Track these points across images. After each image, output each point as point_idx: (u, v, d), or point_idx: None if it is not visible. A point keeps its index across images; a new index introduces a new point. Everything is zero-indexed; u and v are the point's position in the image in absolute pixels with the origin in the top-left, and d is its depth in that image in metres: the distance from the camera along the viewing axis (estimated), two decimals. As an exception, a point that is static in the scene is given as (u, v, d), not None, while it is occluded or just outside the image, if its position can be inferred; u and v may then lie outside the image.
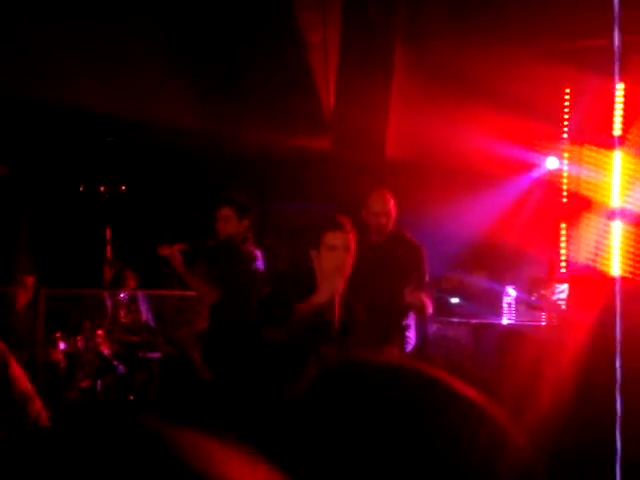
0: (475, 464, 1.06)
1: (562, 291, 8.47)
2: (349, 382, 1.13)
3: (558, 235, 9.69)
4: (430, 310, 7.05)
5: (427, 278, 7.07)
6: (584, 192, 9.74)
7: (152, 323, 9.84)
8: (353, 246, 5.09)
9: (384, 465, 1.04)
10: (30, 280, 9.88)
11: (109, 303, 9.86)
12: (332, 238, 5.02)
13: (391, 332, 6.86)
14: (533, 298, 9.02)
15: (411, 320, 7.10)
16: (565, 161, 9.66)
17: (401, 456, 1.04)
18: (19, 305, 9.84)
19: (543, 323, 8.72)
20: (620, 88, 8.16)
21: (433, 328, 8.66)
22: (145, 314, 9.84)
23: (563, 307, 8.30)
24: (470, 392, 1.14)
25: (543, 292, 8.89)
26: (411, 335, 7.08)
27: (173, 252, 6.76)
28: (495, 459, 1.07)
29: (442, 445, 1.06)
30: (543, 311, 8.85)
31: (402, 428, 1.06)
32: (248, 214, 6.89)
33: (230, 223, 6.80)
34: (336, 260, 4.99)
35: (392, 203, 7.00)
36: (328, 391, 1.12)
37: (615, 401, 5.20)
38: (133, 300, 9.91)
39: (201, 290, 7.05)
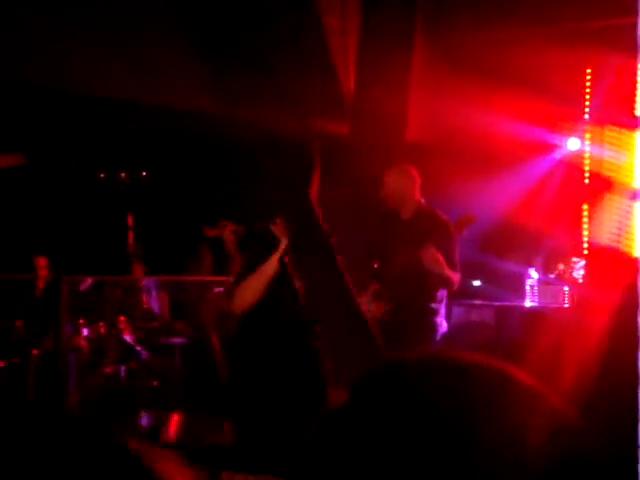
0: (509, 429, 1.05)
1: (582, 267, 8.45)
2: (394, 383, 1.11)
3: (580, 216, 9.66)
4: (455, 286, 7.03)
5: (456, 256, 7.04)
6: (606, 173, 9.69)
7: (157, 310, 9.88)
8: None
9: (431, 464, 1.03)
10: (42, 261, 9.94)
11: (131, 289, 9.91)
12: None
13: (419, 311, 6.84)
14: (552, 276, 8.99)
15: (441, 304, 7.07)
16: (587, 142, 9.60)
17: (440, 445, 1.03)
18: (39, 290, 9.92)
19: (565, 305, 8.69)
20: (642, 67, 8.10)
21: (456, 311, 8.65)
22: (152, 301, 9.89)
23: (580, 282, 8.29)
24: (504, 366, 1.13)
25: (562, 268, 8.86)
26: (439, 320, 7.04)
27: (226, 232, 6.52)
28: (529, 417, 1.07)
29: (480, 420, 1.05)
30: (563, 286, 8.82)
31: (443, 421, 1.05)
32: None
33: None
34: None
35: (416, 175, 7.03)
36: (374, 394, 1.10)
37: (637, 382, 5.18)
38: (155, 287, 9.96)
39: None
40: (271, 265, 4.90)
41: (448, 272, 6.85)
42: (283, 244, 4.86)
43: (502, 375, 1.13)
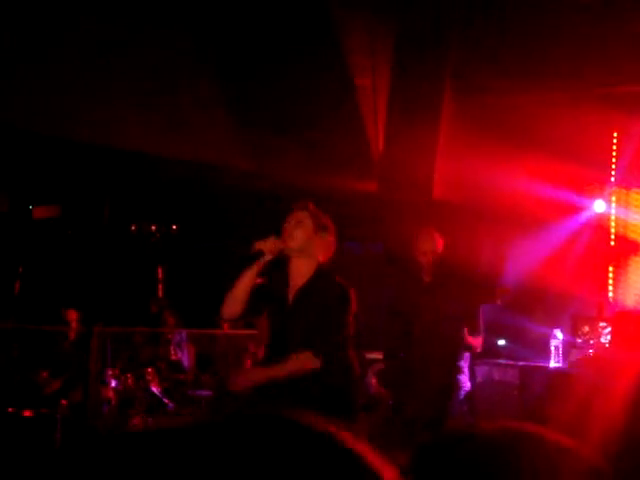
0: None
1: (608, 332, 8.46)
2: (448, 457, 1.18)
3: (606, 278, 9.69)
4: (478, 349, 7.15)
5: (479, 319, 7.14)
6: (632, 235, 9.76)
7: (185, 362, 9.96)
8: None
9: None
10: (73, 314, 10.06)
11: (159, 341, 10.00)
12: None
13: (447, 375, 6.92)
14: (579, 340, 8.98)
15: (465, 362, 7.16)
16: (613, 204, 9.69)
17: None
18: (68, 342, 10.03)
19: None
20: (668, 133, 8.20)
21: (481, 370, 8.68)
22: (180, 353, 9.98)
23: (607, 346, 8.30)
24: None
25: (587, 330, 8.87)
26: (463, 379, 7.13)
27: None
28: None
29: None
30: (589, 348, 8.82)
31: None
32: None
33: None
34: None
35: (440, 241, 7.10)
36: (427, 468, 1.17)
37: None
38: (184, 339, 10.07)
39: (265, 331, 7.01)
40: (247, 276, 5.15)
41: (476, 343, 7.03)
42: (266, 257, 5.11)
43: (552, 445, 1.19)
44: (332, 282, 5.16)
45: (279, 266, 5.27)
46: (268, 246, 5.10)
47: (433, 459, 1.21)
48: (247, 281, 5.15)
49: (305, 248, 5.18)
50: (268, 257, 5.11)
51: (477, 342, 7.06)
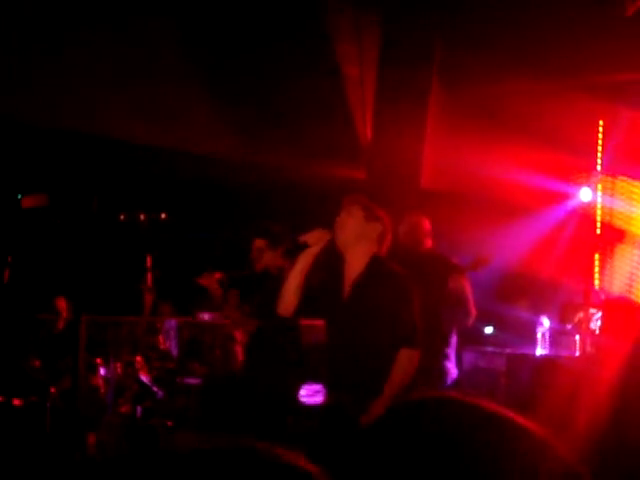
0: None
1: (598, 318, 8.50)
2: (416, 420, 1.18)
3: (592, 265, 9.76)
4: (472, 319, 7.20)
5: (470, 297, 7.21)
6: (617, 223, 9.82)
7: (173, 351, 9.99)
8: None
9: None
10: (62, 302, 10.07)
11: (148, 330, 10.02)
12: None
13: (432, 356, 6.95)
14: (568, 326, 9.02)
15: (452, 349, 7.20)
16: (599, 193, 9.75)
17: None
18: (57, 330, 10.04)
19: (577, 354, 8.73)
20: (654, 121, 8.25)
21: (467, 358, 8.72)
22: (169, 342, 10.01)
23: (597, 333, 8.35)
24: (517, 417, 1.20)
25: (578, 318, 8.91)
26: (451, 366, 7.16)
27: (212, 282, 6.79)
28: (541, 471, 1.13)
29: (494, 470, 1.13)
30: (576, 335, 8.86)
31: (460, 461, 1.12)
32: (281, 244, 6.60)
33: (264, 254, 6.72)
34: None
35: (427, 223, 7.19)
36: (395, 429, 1.17)
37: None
38: (173, 327, 10.08)
39: (235, 319, 7.15)
40: (296, 269, 5.14)
41: (471, 301, 7.07)
42: (313, 249, 5.09)
43: (515, 426, 1.19)
44: (389, 271, 5.16)
45: (334, 261, 5.27)
46: (313, 237, 5.09)
47: (400, 420, 1.20)
48: (297, 275, 5.13)
49: (356, 239, 5.17)
50: (315, 248, 5.09)
51: (473, 311, 7.13)
